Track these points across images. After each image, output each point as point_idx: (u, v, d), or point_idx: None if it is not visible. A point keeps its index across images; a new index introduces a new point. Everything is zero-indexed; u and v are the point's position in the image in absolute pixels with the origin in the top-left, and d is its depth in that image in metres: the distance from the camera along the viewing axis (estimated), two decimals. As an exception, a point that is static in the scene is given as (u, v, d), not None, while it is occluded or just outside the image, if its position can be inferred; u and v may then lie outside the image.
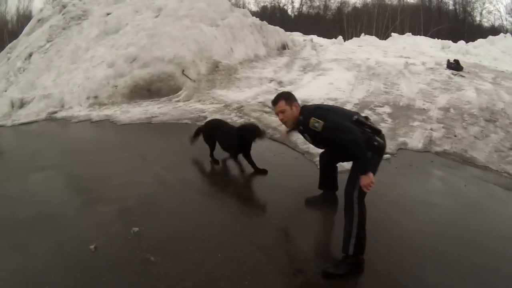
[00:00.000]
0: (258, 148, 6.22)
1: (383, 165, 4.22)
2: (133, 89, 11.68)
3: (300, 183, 5.57)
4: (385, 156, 6.05)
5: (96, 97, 11.71)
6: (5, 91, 13.97)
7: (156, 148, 7.02)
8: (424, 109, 9.44)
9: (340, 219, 3.85)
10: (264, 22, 17.55)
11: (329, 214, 4.76)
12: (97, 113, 10.56)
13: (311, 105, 4.26)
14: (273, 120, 8.51)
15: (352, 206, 3.60)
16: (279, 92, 4.32)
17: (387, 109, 9.22)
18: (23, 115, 12.17)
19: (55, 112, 11.46)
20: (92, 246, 4.13)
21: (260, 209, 5.10)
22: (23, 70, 14.77)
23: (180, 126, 9.03)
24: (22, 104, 12.79)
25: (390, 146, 6.86)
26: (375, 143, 3.69)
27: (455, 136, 7.86)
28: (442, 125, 8.41)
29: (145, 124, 9.31)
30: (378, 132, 3.82)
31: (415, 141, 7.36)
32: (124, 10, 15.92)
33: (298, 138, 7.15)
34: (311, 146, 5.81)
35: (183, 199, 5.29)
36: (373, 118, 8.34)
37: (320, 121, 3.68)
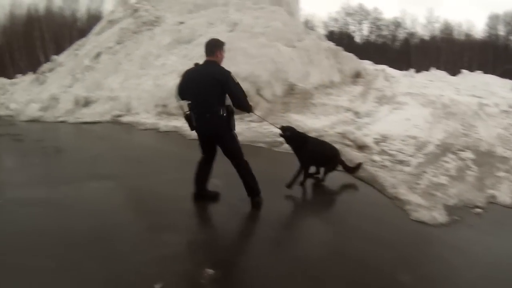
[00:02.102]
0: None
1: (475, 221, 4.67)
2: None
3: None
4: (476, 210, 5.53)
5: (165, 106, 11.19)
6: (70, 87, 13.74)
7: (230, 173, 5.96)
8: (505, 157, 8.35)
9: None
10: (340, 47, 16.75)
11: None
12: (165, 123, 9.99)
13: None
14: (357, 156, 7.63)
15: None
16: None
17: (469, 155, 8.17)
18: (87, 114, 11.87)
19: (120, 116, 11.03)
20: (158, 286, 3.32)
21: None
22: (90, 69, 14.56)
23: (256, 150, 8.28)
24: (87, 103, 12.49)
25: (480, 199, 5.97)
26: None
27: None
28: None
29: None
30: None
31: (504, 195, 6.31)
32: (198, 21, 15.52)
33: (386, 179, 6.29)
34: (401, 191, 5.78)
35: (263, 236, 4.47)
36: (457, 163, 7.51)
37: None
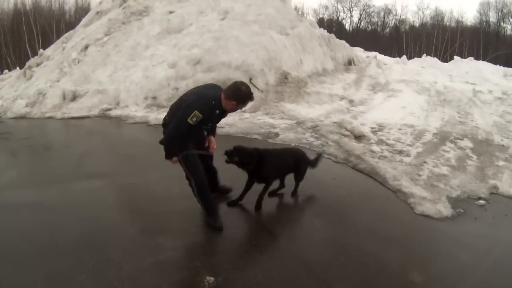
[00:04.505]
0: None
1: (479, 214, 4.62)
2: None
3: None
4: (480, 202, 5.45)
5: (154, 98, 10.90)
6: (58, 81, 13.35)
7: (227, 168, 5.56)
8: (503, 145, 8.26)
9: None
10: (332, 34, 16.48)
11: None
12: (155, 116, 9.70)
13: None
14: (355, 146, 7.44)
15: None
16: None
17: (468, 143, 8.14)
18: (74, 109, 11.51)
19: (109, 109, 10.70)
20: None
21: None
22: (78, 62, 14.16)
23: (250, 142, 7.94)
24: (75, 97, 12.14)
25: (482, 190, 5.91)
26: None
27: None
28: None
29: (209, 135, 8.23)
30: None
31: (506, 185, 6.21)
32: (188, 9, 15.13)
33: (386, 171, 6.17)
34: (404, 183, 5.69)
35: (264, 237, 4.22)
36: (457, 152, 7.46)
37: None
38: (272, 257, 3.82)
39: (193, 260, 3.70)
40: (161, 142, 4.18)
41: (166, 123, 4.25)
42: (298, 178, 5.21)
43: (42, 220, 4.47)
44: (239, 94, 3.99)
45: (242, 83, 4.13)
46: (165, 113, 4.36)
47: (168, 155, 4.17)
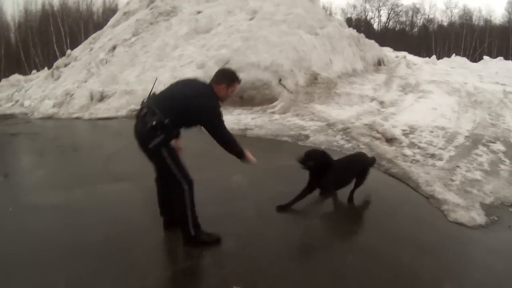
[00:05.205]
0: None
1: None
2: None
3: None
4: None
5: (182, 98, 10.73)
6: (85, 81, 13.40)
7: (257, 172, 5.27)
8: None
9: None
10: (361, 34, 16.16)
11: None
12: (183, 117, 9.55)
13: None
14: (387, 149, 7.16)
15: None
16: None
17: (500, 146, 7.80)
18: (102, 109, 11.49)
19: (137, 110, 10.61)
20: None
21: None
22: (106, 62, 14.19)
23: (280, 145, 7.79)
24: (102, 98, 12.13)
25: None
26: None
27: None
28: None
29: (239, 136, 7.83)
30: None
31: None
32: (216, 9, 15.01)
33: (419, 176, 5.89)
34: (437, 189, 5.47)
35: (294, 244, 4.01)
36: (489, 156, 7.14)
37: None
38: (302, 266, 3.60)
39: (220, 268, 3.50)
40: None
41: (145, 113, 3.56)
42: (359, 184, 5.05)
43: (66, 223, 4.35)
44: (224, 73, 3.88)
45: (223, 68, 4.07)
46: None
47: (241, 154, 3.77)
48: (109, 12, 39.14)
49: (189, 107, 3.53)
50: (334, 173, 4.62)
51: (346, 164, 5.03)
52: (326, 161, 4.62)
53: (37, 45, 40.79)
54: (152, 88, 3.98)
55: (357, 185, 5.02)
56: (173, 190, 3.70)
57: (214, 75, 3.86)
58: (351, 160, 5.21)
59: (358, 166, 5.06)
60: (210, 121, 3.62)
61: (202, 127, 3.64)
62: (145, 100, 3.72)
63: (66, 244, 3.84)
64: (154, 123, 3.40)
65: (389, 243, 4.07)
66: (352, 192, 5.00)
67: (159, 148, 3.52)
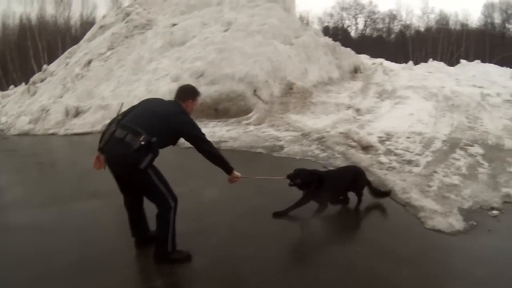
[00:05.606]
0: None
1: (493, 225, 4.51)
2: (198, 107, 10.51)
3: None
4: (493, 212, 5.15)
5: (157, 112, 10.71)
6: (61, 97, 13.32)
7: (231, 185, 5.31)
8: None
9: None
10: (337, 42, 16.31)
11: None
12: (158, 131, 9.52)
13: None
14: (362, 158, 7.19)
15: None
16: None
17: (478, 149, 7.86)
18: (77, 125, 11.42)
19: (112, 125, 10.57)
20: None
21: None
22: (81, 77, 14.14)
23: (255, 156, 7.79)
24: (77, 113, 12.06)
25: (495, 199, 5.57)
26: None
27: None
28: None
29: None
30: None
31: None
32: (191, 21, 15.04)
33: (395, 183, 5.88)
34: (413, 196, 5.46)
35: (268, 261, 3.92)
36: (467, 160, 7.16)
37: None
38: (275, 283, 3.54)
39: (191, 286, 3.52)
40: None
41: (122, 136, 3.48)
42: (358, 196, 5.26)
43: (40, 243, 4.26)
44: (186, 90, 4.06)
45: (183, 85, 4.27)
46: None
47: (228, 166, 3.97)
48: (87, 25, 38.79)
49: (173, 124, 3.61)
50: (327, 187, 4.84)
51: (337, 176, 5.24)
52: (312, 179, 4.82)
53: (15, 60, 40.22)
54: (119, 110, 4.01)
55: (359, 199, 5.22)
56: (158, 208, 3.68)
57: (177, 93, 3.96)
58: (341, 172, 5.45)
59: (348, 177, 5.20)
60: (198, 135, 3.73)
61: (189, 142, 3.75)
62: (116, 120, 3.69)
63: (36, 267, 3.75)
64: (142, 143, 3.37)
65: (365, 254, 4.03)
66: (356, 206, 5.20)
67: (146, 168, 3.48)
